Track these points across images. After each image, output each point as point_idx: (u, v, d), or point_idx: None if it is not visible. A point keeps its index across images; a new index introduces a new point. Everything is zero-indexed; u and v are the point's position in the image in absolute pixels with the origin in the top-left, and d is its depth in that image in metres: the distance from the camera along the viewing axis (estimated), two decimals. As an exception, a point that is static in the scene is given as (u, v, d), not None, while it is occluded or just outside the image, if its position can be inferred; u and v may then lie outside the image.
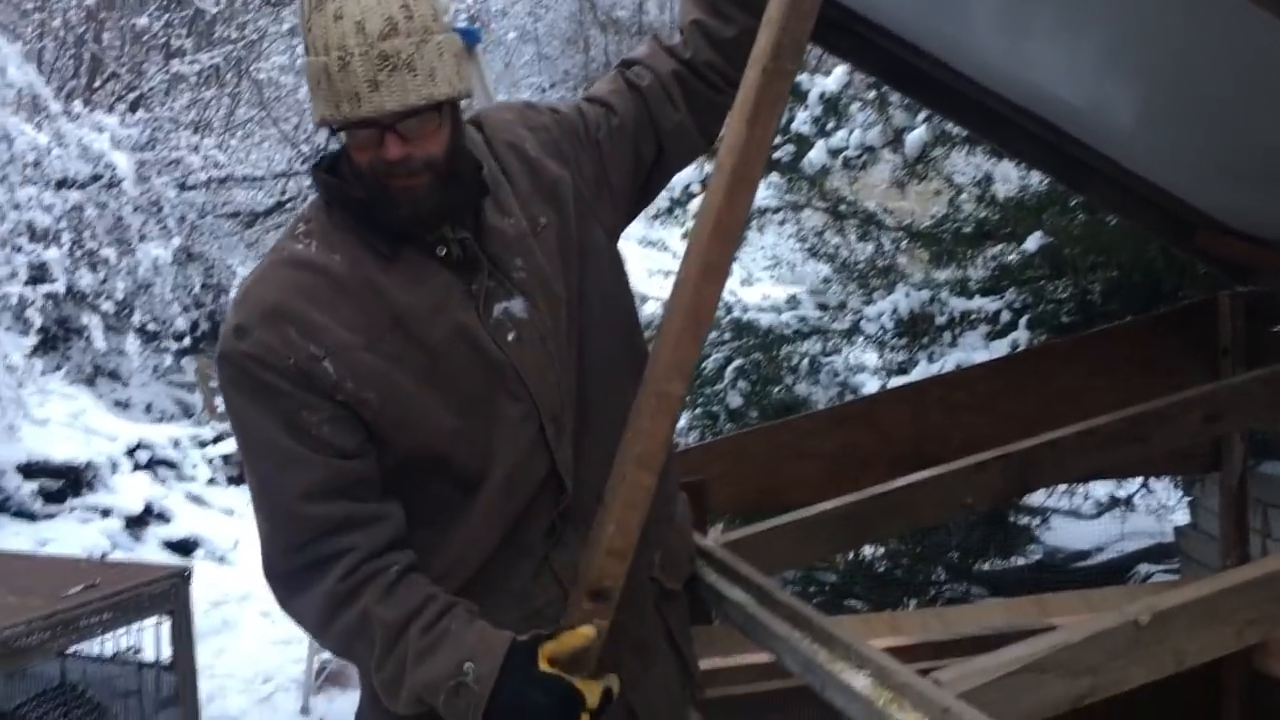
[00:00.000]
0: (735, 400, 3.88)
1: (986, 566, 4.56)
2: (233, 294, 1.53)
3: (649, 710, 1.61)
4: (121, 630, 3.36)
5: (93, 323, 7.30)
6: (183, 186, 8.95)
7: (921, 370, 3.90)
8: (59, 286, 6.63)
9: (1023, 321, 3.94)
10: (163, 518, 6.38)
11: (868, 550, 4.26)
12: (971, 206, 4.69)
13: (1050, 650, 1.33)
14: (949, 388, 2.74)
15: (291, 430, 1.40)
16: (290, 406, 1.40)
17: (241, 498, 7.68)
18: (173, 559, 5.66)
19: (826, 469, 2.61)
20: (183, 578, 3.46)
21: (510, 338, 1.46)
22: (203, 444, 7.77)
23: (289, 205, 10.57)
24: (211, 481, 7.46)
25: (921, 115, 4.40)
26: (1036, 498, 4.31)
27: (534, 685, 1.36)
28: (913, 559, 4.03)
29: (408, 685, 1.38)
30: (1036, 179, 4.18)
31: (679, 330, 1.45)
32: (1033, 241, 3.93)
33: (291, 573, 1.43)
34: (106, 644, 3.42)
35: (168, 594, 3.38)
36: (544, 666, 1.38)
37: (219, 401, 9.10)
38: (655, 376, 1.46)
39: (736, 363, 3.96)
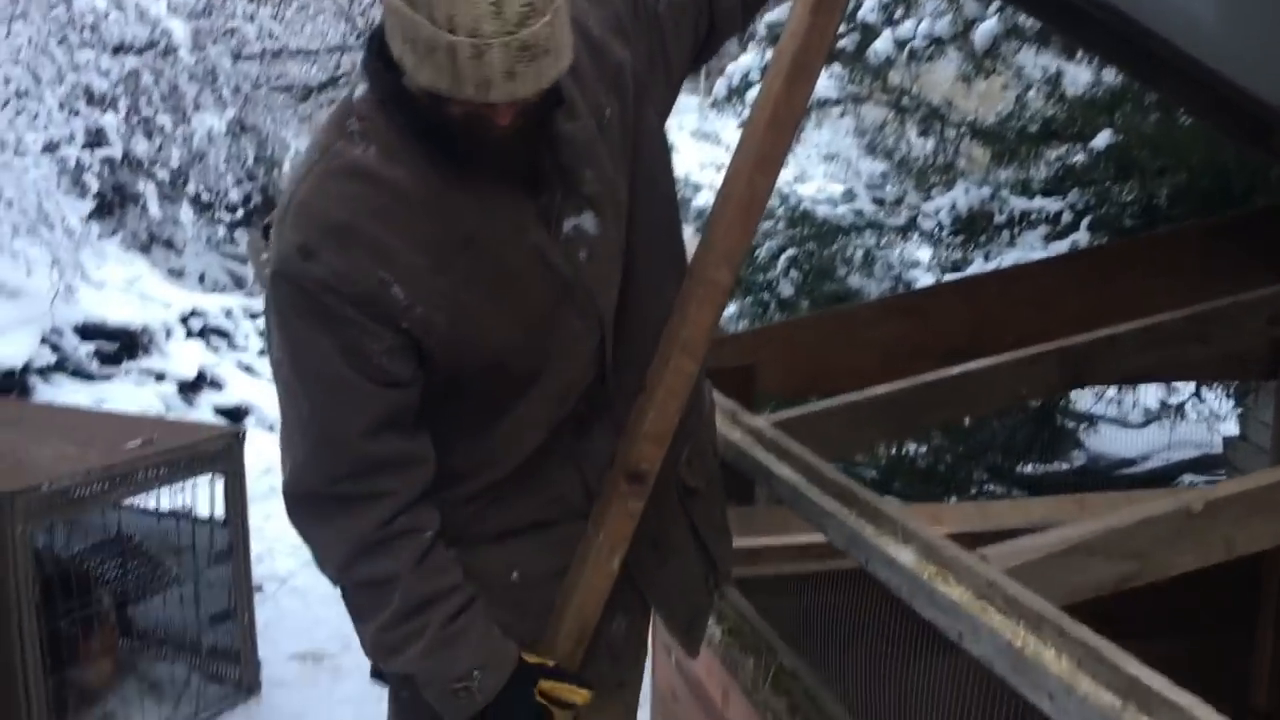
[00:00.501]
0: (786, 290, 3.85)
1: (1029, 469, 4.55)
2: (286, 188, 1.39)
3: (665, 601, 1.65)
4: (177, 485, 3.46)
5: (148, 190, 7.36)
6: (237, 57, 8.90)
7: (977, 269, 3.85)
8: (115, 151, 6.68)
9: (1084, 223, 3.86)
10: (215, 384, 6.51)
11: (910, 446, 4.27)
12: (1039, 104, 4.56)
13: (1099, 533, 1.33)
14: (1007, 282, 2.70)
15: (352, 359, 1.33)
16: (354, 334, 1.32)
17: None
18: (225, 424, 5.78)
19: (878, 359, 2.60)
20: (237, 438, 3.54)
21: (582, 256, 1.43)
22: (254, 315, 7.87)
23: (342, 80, 10.49)
24: (263, 352, 7.58)
25: (993, 7, 4.26)
26: (1085, 401, 4.28)
27: (522, 708, 1.45)
28: (955, 456, 4.04)
29: (409, 659, 1.42)
30: (1109, 76, 4.05)
31: (730, 220, 1.43)
32: (1101, 139, 3.83)
33: (323, 499, 1.40)
34: (162, 499, 3.53)
35: (222, 452, 3.46)
36: (536, 695, 1.46)
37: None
38: (704, 264, 1.44)
39: (790, 252, 3.92)
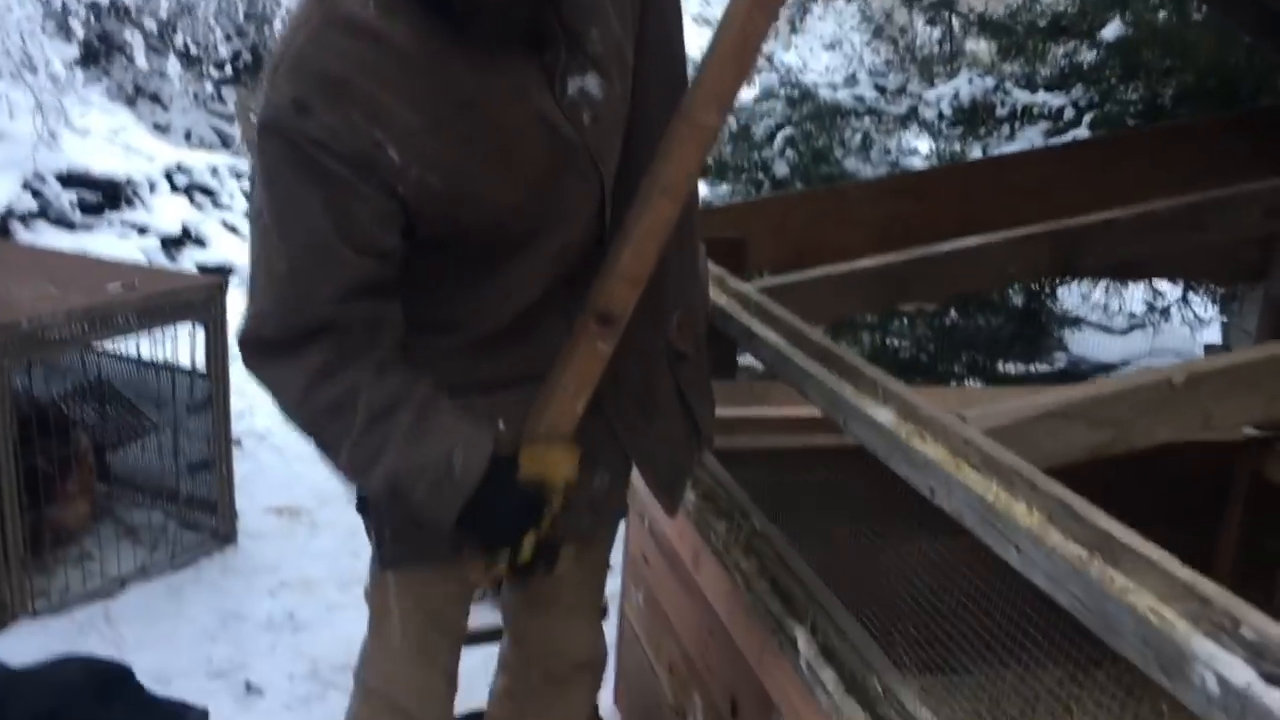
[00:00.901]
0: (781, 169, 3.80)
1: (1010, 369, 4.57)
2: (282, 38, 1.32)
3: (648, 460, 1.66)
4: (157, 334, 3.44)
5: (134, 40, 7.20)
6: (230, -94, 8.62)
7: (975, 160, 3.81)
8: (102, -4, 6.50)
9: (1086, 120, 3.81)
10: (199, 241, 6.45)
11: (893, 339, 4.28)
12: (1049, -1, 4.46)
13: (1079, 400, 1.33)
14: (1004, 169, 2.68)
15: (338, 221, 1.30)
16: (344, 195, 1.29)
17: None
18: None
19: (869, 237, 2.58)
20: (219, 288, 3.51)
21: (586, 119, 1.39)
22: (240, 175, 7.76)
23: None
24: (248, 213, 7.49)
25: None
26: (1069, 301, 4.29)
27: (510, 492, 1.41)
28: (938, 348, 4.05)
29: (385, 465, 1.36)
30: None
31: (723, 59, 1.38)
32: (1110, 31, 3.75)
33: (280, 345, 1.37)
34: (142, 349, 3.51)
35: (204, 302, 3.43)
36: (521, 472, 1.43)
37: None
38: (692, 105, 1.39)
39: (787, 131, 3.86)
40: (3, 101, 5.48)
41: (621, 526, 1.95)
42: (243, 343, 1.40)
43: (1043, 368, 4.78)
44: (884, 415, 1.43)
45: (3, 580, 2.99)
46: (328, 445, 1.42)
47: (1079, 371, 4.85)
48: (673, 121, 1.40)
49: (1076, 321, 4.60)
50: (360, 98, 1.27)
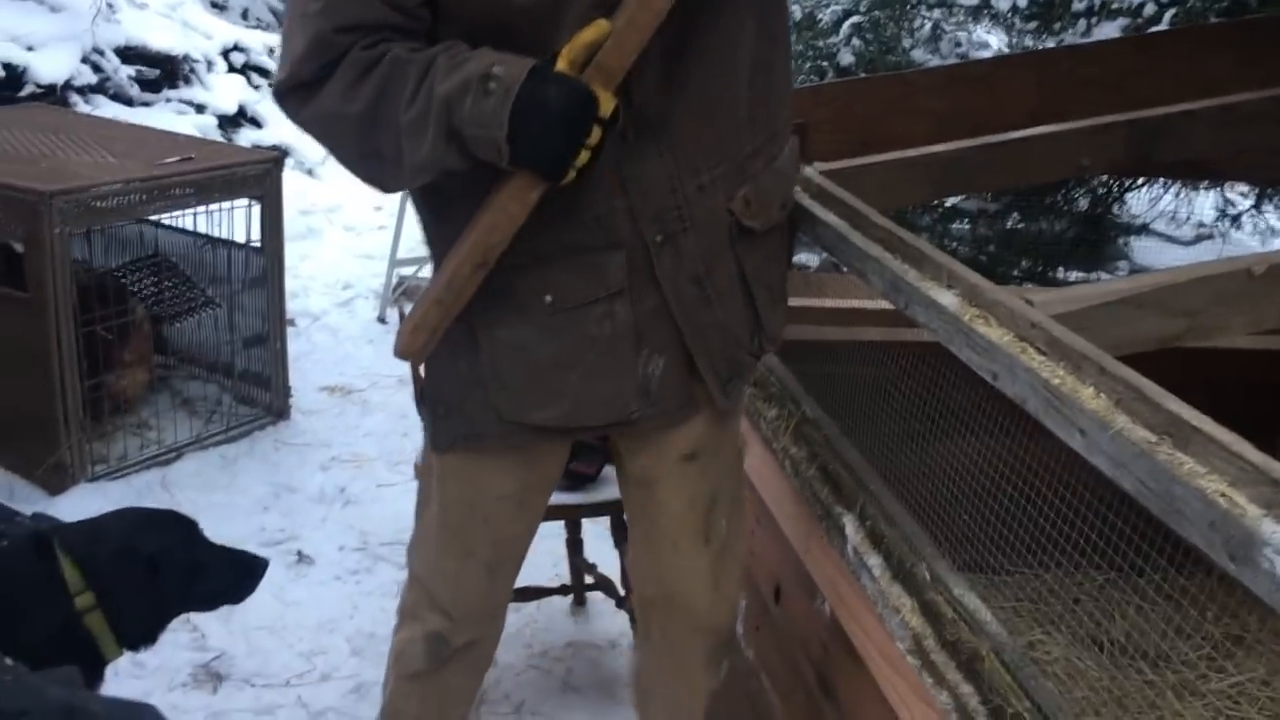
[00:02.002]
0: (846, 58, 3.68)
1: (1072, 277, 4.48)
2: None
3: (703, 348, 1.58)
4: (214, 208, 3.45)
5: (192, -88, 7.09)
6: None
7: (1048, 56, 3.66)
8: None
9: (1168, 16, 3.64)
10: (255, 122, 6.43)
11: (953, 241, 4.20)
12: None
13: (1153, 286, 1.29)
14: (1080, 60, 2.56)
15: None
16: None
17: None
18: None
19: (935, 128, 2.49)
20: (275, 163, 3.51)
21: None
22: (297, 56, 7.70)
23: None
24: None
25: None
26: (1137, 206, 4.17)
27: (553, 83, 1.32)
28: (999, 247, 3.97)
29: (437, 100, 1.33)
30: None
31: None
32: (1198, -77, 3.57)
33: (318, 81, 1.40)
34: (199, 224, 3.53)
35: (260, 177, 3.44)
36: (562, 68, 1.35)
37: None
38: None
39: (854, 19, 3.74)
40: (62, -28, 5.44)
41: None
42: (283, 94, 1.43)
43: (1104, 276, 4.68)
44: (947, 299, 1.39)
45: (63, 444, 3.07)
46: (387, 129, 1.39)
47: (1141, 281, 4.74)
48: None
49: (1142, 228, 4.48)
50: None
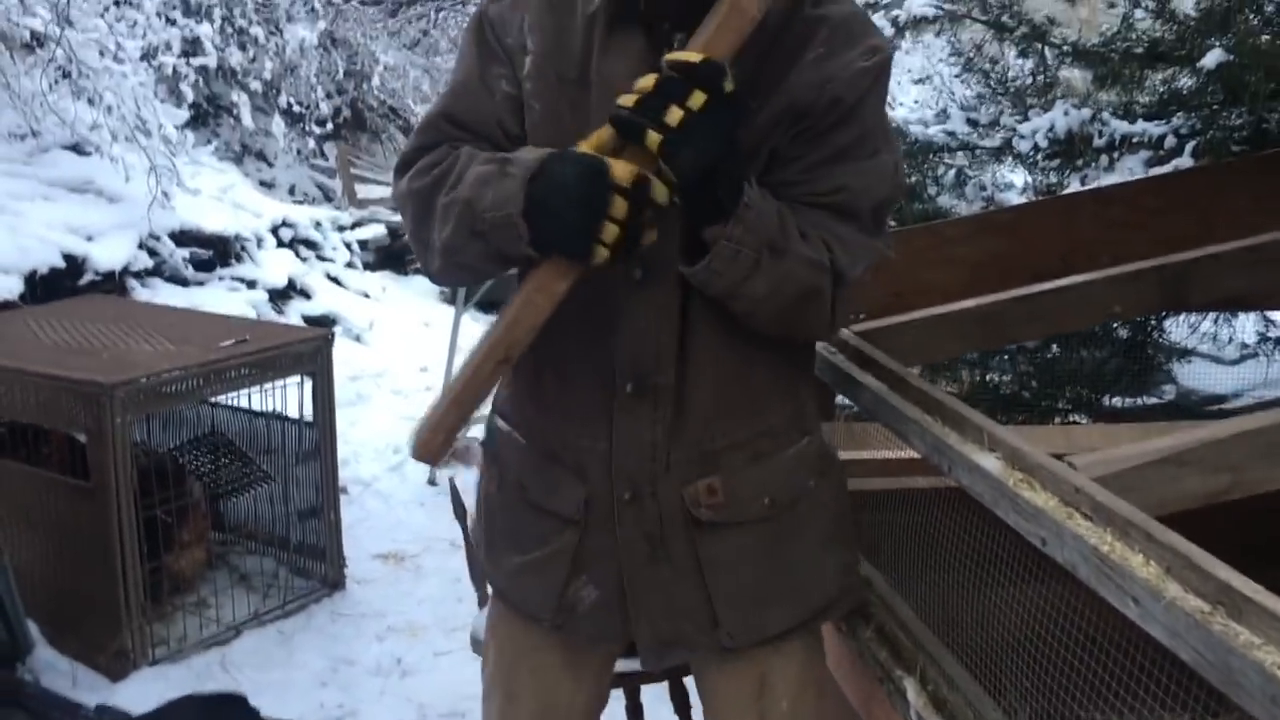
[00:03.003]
0: (874, 208, 3.74)
1: (1116, 402, 4.45)
2: None
3: (643, 602, 1.53)
4: (268, 386, 3.55)
5: (241, 101, 7.48)
6: (329, -32, 8.93)
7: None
8: (210, 60, 6.77)
9: (1189, 148, 3.70)
10: (304, 294, 6.65)
11: (994, 375, 4.20)
12: (1146, 24, 4.37)
13: (1193, 444, 1.30)
14: (1104, 202, 2.62)
15: (482, 74, 1.52)
16: (490, 59, 1.51)
17: (377, 283, 7.92)
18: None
19: (966, 277, 2.55)
20: (326, 340, 3.62)
21: None
22: (341, 228, 7.99)
23: (431, -4, 10.49)
24: (350, 265, 7.70)
25: (1103, -80, 4.08)
26: (1178, 333, 4.16)
27: (570, 160, 1.32)
28: (1041, 383, 3.96)
29: (466, 183, 1.38)
30: (1226, -11, 3.86)
31: None
32: (1210, 59, 3.66)
33: (410, 162, 1.52)
34: (252, 400, 3.63)
35: (312, 354, 3.54)
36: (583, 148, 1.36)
37: (359, 188, 9.30)
38: None
39: (879, 170, 3.81)
40: (119, 165, 5.72)
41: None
42: (395, 168, 1.58)
43: (1151, 400, 4.64)
44: (990, 462, 1.41)
45: (124, 629, 3.10)
46: (431, 210, 1.43)
47: (1188, 404, 4.69)
48: (716, 3, 1.34)
49: (1185, 353, 4.46)
50: (533, 10, 1.49)
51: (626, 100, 1.30)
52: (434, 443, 1.40)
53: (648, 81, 1.29)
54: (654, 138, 1.27)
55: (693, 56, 1.28)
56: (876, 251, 1.49)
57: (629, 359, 1.47)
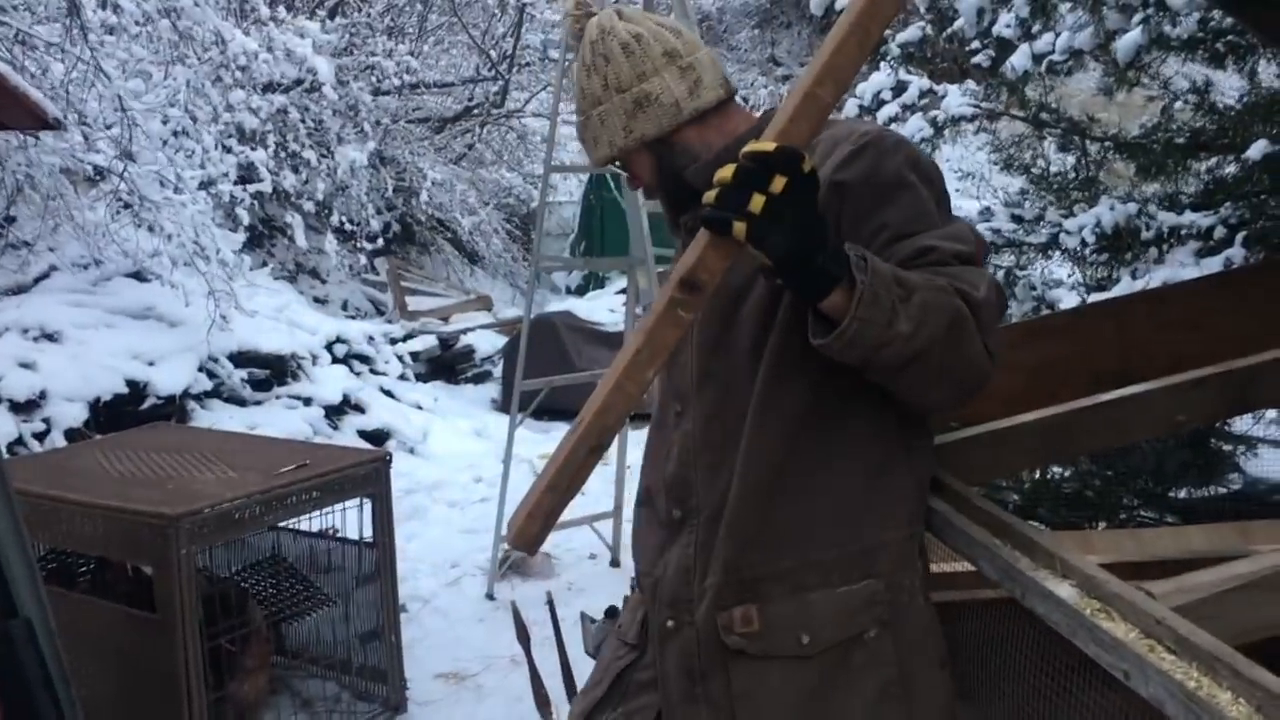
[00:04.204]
0: (925, 312, 3.74)
1: (1183, 494, 4.36)
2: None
3: None
4: (328, 509, 3.58)
5: (295, 222, 7.68)
6: (377, 91, 9.22)
7: (1124, 287, 3.71)
8: (265, 186, 6.98)
9: (1238, 239, 3.69)
10: (358, 408, 6.73)
11: (1055, 469, 4.14)
12: (1187, 115, 4.39)
13: (1272, 570, 1.28)
14: (1158, 302, 2.61)
15: None
16: None
17: (429, 393, 8.01)
18: (368, 447, 5.97)
19: (1023, 383, 2.53)
20: (384, 462, 3.65)
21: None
22: (394, 340, 8.12)
23: (475, 111, 10.78)
24: (402, 377, 7.80)
25: (1137, 18, 4.12)
26: (1242, 424, 4.09)
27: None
28: (1104, 481, 3.90)
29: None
30: (1268, 78, 3.88)
31: (844, 36, 1.35)
32: (1256, 150, 3.67)
33: None
34: (313, 521, 3.66)
35: (370, 476, 3.58)
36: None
37: (409, 300, 9.46)
38: (807, 78, 1.36)
39: (927, 273, 3.82)
40: (179, 290, 5.88)
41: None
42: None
43: (1218, 490, 4.54)
44: (1065, 590, 1.39)
45: (191, 760, 3.10)
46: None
47: (1256, 493, 4.59)
48: (787, 98, 1.37)
49: (1250, 441, 4.37)
50: None
51: (709, 197, 1.31)
52: (530, 530, 1.40)
53: (726, 173, 1.29)
54: (739, 228, 1.28)
55: (767, 146, 1.29)
56: (986, 274, 1.46)
57: (670, 487, 1.56)
